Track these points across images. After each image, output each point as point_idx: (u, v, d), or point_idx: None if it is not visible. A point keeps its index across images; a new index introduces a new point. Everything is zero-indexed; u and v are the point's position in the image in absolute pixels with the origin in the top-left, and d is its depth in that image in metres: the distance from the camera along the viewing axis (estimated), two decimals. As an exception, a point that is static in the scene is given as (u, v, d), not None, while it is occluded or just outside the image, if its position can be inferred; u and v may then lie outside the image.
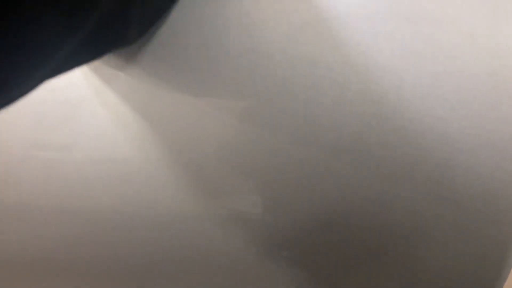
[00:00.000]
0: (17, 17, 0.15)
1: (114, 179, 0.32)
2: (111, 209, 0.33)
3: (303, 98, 0.26)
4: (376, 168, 0.26)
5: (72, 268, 0.38)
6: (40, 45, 0.17)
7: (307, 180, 0.28)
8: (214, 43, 0.27)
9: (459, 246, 0.27)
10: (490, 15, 0.25)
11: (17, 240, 0.37)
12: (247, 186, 0.29)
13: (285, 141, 0.27)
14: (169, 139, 0.29)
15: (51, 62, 0.19)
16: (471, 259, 0.27)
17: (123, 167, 0.31)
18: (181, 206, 0.30)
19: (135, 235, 0.34)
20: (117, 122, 0.30)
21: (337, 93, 0.26)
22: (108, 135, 0.30)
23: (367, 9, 0.25)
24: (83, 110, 0.30)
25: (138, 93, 0.29)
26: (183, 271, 0.35)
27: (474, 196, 0.26)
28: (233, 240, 0.31)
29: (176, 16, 0.27)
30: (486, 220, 0.26)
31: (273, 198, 0.29)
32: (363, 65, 0.25)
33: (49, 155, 0.32)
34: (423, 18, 0.25)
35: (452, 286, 0.29)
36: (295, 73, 0.26)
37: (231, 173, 0.28)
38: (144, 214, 0.32)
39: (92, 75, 0.29)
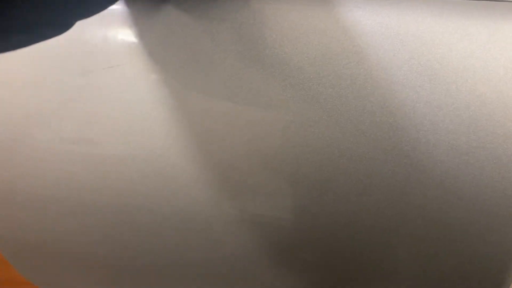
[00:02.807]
0: None
1: (140, 175, 0.34)
2: (137, 206, 0.35)
3: (328, 107, 0.29)
4: (391, 174, 0.29)
5: (93, 261, 0.39)
6: None
7: (325, 185, 0.30)
8: (250, 54, 0.29)
9: (465, 252, 0.30)
10: (500, 45, 0.28)
11: (43, 231, 0.38)
12: (272, 188, 0.31)
13: (308, 146, 0.30)
14: (200, 138, 0.32)
15: None
16: (474, 267, 0.30)
17: (151, 164, 0.33)
18: (207, 205, 0.33)
19: (159, 232, 0.36)
20: (146, 120, 0.32)
21: (359, 104, 0.28)
22: (138, 132, 0.32)
23: (390, 31, 0.28)
24: (112, 107, 0.32)
25: (168, 91, 0.31)
26: (203, 269, 0.37)
27: (480, 204, 0.28)
28: (257, 242, 0.34)
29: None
30: (490, 229, 0.29)
31: (294, 201, 0.31)
32: (383, 80, 0.28)
33: (77, 149, 0.34)
34: (439, 42, 0.28)
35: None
36: (322, 84, 0.29)
37: (260, 174, 0.31)
38: (170, 211, 0.34)
39: (122, 75, 0.32)
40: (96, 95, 0.32)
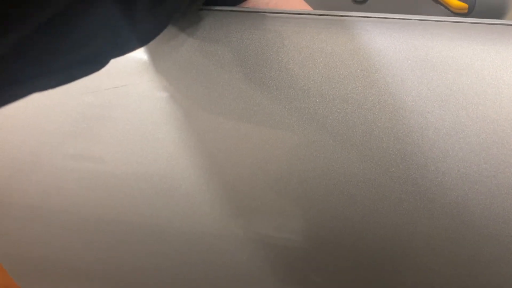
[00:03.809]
0: None
1: (144, 194, 0.34)
2: (139, 224, 0.35)
3: (334, 132, 0.28)
4: (398, 202, 0.28)
5: (94, 277, 0.39)
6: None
7: (330, 211, 0.29)
8: (255, 76, 0.29)
9: (475, 285, 0.29)
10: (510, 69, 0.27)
11: (55, 246, 0.38)
12: (277, 210, 0.30)
13: (314, 171, 0.29)
14: (205, 159, 0.31)
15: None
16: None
17: (155, 184, 0.33)
18: (213, 224, 0.32)
19: (162, 251, 0.35)
20: (151, 140, 0.32)
21: (366, 129, 0.28)
22: (142, 152, 0.32)
23: (398, 55, 0.27)
24: (123, 126, 0.32)
25: (172, 113, 0.31)
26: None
27: (491, 234, 0.27)
28: (263, 262, 0.33)
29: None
30: (500, 260, 0.28)
31: (299, 225, 0.30)
32: (391, 105, 0.27)
33: (88, 167, 0.34)
34: (449, 67, 0.27)
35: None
36: (328, 109, 0.28)
37: (265, 196, 0.30)
38: (173, 231, 0.34)
39: (127, 95, 0.31)
40: (100, 114, 0.32)
